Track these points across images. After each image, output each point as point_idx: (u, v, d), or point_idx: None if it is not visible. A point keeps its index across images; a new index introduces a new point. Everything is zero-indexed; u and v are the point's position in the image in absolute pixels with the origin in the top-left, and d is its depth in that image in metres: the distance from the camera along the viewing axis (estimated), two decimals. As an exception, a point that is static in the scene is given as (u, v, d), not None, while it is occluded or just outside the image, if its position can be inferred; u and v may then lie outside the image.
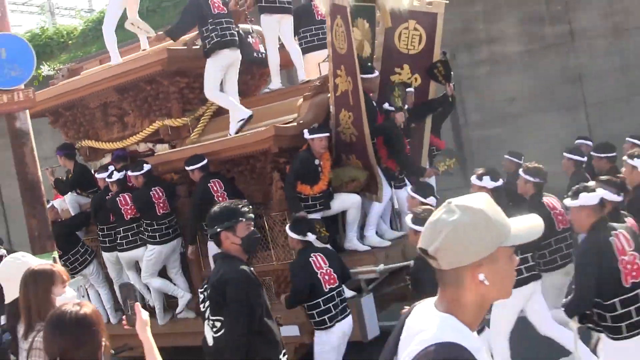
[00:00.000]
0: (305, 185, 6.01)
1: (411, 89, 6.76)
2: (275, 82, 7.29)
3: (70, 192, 7.66)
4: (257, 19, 7.39)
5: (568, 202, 3.84)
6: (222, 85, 6.87)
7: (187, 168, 6.40)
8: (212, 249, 6.43)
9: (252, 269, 3.71)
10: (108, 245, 7.00)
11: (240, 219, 3.62)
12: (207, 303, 3.64)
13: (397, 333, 1.71)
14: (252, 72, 7.77)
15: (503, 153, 7.59)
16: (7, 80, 5.66)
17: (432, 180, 7.36)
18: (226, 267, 3.57)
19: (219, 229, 3.62)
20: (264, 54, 7.32)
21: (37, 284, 3.13)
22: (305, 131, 6.01)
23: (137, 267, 7.06)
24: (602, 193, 3.74)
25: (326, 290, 5.03)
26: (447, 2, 6.91)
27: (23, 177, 5.99)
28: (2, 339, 3.82)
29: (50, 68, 9.00)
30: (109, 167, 7.06)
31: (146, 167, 6.70)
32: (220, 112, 7.08)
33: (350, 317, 5.27)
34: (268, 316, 3.66)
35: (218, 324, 3.57)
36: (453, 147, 9.83)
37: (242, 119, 6.61)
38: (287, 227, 5.36)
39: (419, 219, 4.01)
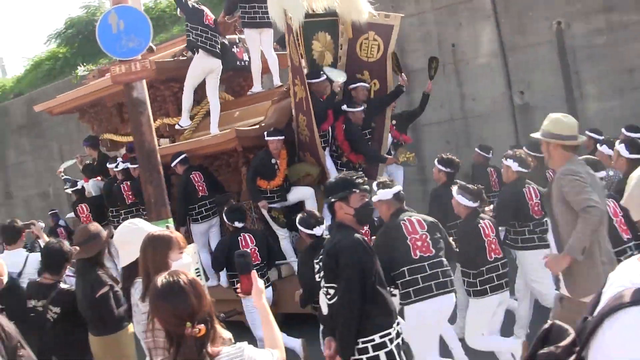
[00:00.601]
0: (263, 180, 7.06)
1: (365, 84, 7.58)
2: (257, 86, 8.32)
3: (92, 178, 9.11)
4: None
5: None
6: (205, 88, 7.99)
7: (171, 165, 7.59)
8: (196, 230, 7.67)
9: (365, 238, 3.70)
10: (116, 224, 8.36)
11: (354, 190, 3.59)
12: (322, 272, 3.65)
13: (601, 287, 1.73)
14: (244, 75, 8.83)
15: (621, 127, 6.63)
16: (125, 51, 5.78)
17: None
18: (340, 236, 3.56)
19: (333, 199, 3.62)
20: (246, 62, 8.36)
21: (156, 250, 3.15)
22: (265, 133, 7.03)
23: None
24: (396, 189, 4.48)
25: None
26: (403, 15, 7.65)
27: (140, 145, 6.01)
28: (122, 301, 4.17)
29: (85, 69, 10.35)
30: (117, 159, 8.39)
31: (143, 160, 7.95)
32: (212, 112, 8.20)
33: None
34: (381, 285, 3.62)
35: (332, 291, 3.54)
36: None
37: (181, 126, 8.05)
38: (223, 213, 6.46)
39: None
